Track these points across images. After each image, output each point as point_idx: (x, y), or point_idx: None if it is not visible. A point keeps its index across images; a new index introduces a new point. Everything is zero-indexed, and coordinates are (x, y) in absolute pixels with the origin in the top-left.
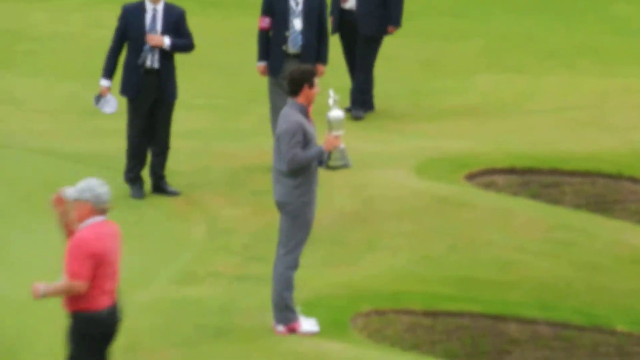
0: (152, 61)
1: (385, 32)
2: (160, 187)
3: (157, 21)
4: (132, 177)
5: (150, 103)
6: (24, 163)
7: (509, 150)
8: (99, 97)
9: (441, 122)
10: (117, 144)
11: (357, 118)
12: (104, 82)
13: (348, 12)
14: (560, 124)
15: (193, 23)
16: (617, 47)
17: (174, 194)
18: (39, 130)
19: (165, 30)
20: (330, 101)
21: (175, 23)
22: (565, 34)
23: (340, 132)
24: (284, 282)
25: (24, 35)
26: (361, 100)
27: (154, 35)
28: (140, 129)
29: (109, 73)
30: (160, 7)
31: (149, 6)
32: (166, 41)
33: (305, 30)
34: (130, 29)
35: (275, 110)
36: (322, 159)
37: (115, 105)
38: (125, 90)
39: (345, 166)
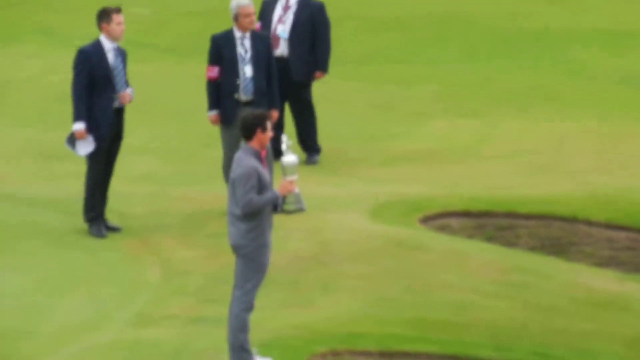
0: (117, 102)
1: (313, 77)
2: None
3: (118, 60)
4: (94, 216)
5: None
6: None
7: (463, 193)
8: (73, 140)
9: (395, 167)
10: (73, 188)
11: (313, 163)
12: (80, 125)
13: (279, 58)
14: (516, 168)
15: (148, 68)
16: (573, 91)
17: (115, 229)
18: None
19: (124, 67)
20: (284, 146)
21: (125, 62)
22: (521, 78)
23: (294, 177)
24: (239, 324)
25: None
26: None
27: (125, 93)
28: (102, 166)
29: (83, 116)
30: (115, 46)
31: (108, 46)
32: (132, 94)
33: (256, 77)
34: (96, 70)
35: (227, 160)
36: (277, 204)
37: (93, 145)
38: (96, 129)
39: (299, 210)
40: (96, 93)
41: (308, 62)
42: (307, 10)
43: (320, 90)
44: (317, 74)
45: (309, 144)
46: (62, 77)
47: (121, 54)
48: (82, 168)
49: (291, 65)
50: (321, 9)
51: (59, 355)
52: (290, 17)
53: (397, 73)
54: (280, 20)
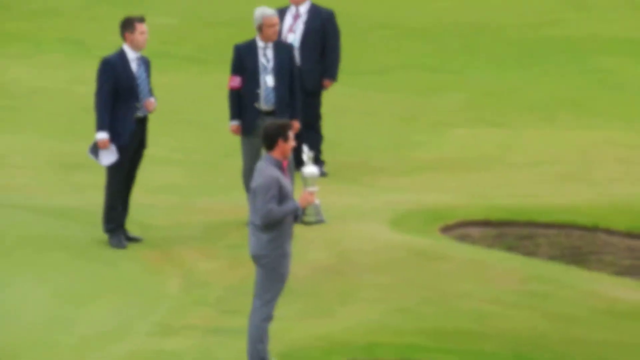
0: (141, 111)
1: (322, 86)
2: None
3: (142, 69)
4: (114, 227)
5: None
6: (3, 218)
7: (484, 202)
8: (96, 150)
9: (418, 176)
10: (97, 199)
11: (322, 175)
12: (104, 135)
13: None
14: (539, 177)
15: (171, 79)
16: (599, 100)
17: (136, 240)
18: (18, 186)
19: (148, 76)
20: (305, 157)
21: (149, 71)
22: (547, 87)
23: (314, 188)
24: (259, 334)
25: (4, 91)
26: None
27: (150, 101)
28: (124, 176)
29: (106, 125)
30: (139, 55)
31: (131, 55)
32: (155, 103)
33: (278, 87)
34: (120, 80)
35: (248, 170)
36: (297, 215)
37: (116, 155)
38: (117, 139)
39: (319, 222)
40: (120, 103)
41: (319, 71)
42: (318, 19)
43: (344, 100)
44: (326, 82)
45: (316, 156)
46: (88, 88)
47: (145, 63)
48: (104, 179)
49: (304, 75)
50: (331, 17)
51: None
52: (300, 26)
53: (423, 82)
54: (290, 29)
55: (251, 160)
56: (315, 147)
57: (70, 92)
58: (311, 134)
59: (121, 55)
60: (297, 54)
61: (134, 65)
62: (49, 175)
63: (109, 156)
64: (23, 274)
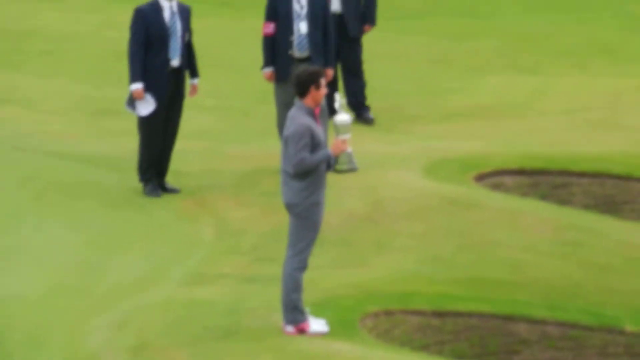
0: (175, 61)
1: (362, 31)
2: (161, 184)
3: (175, 18)
4: (149, 177)
5: (168, 100)
6: (36, 164)
7: (518, 151)
8: (132, 102)
9: (451, 123)
10: (129, 146)
11: (371, 120)
12: (138, 85)
13: (332, 14)
14: (572, 124)
15: (205, 23)
16: (632, 46)
17: (174, 191)
18: (51, 132)
19: (184, 27)
20: (337, 105)
21: (187, 19)
22: (579, 33)
23: (347, 136)
24: (293, 283)
25: (36, 36)
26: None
27: (193, 85)
28: (159, 126)
29: (140, 76)
30: (174, 4)
31: (164, 4)
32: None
33: (312, 34)
34: (151, 29)
35: (282, 117)
36: (330, 163)
37: (153, 104)
38: (152, 89)
39: (352, 170)
40: (152, 53)
41: (360, 17)
42: None
43: (377, 45)
44: (367, 27)
45: (361, 101)
46: (120, 33)
47: (183, 12)
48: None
49: (346, 22)
50: None
51: (113, 313)
52: None
53: (455, 27)
54: None
55: (285, 108)
56: (360, 93)
57: (101, 37)
58: (354, 81)
59: (154, 4)
60: (338, 1)
61: (166, 15)
62: (80, 121)
63: (147, 106)
64: (54, 219)
